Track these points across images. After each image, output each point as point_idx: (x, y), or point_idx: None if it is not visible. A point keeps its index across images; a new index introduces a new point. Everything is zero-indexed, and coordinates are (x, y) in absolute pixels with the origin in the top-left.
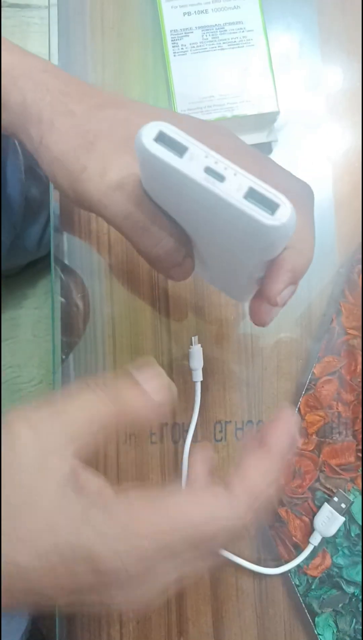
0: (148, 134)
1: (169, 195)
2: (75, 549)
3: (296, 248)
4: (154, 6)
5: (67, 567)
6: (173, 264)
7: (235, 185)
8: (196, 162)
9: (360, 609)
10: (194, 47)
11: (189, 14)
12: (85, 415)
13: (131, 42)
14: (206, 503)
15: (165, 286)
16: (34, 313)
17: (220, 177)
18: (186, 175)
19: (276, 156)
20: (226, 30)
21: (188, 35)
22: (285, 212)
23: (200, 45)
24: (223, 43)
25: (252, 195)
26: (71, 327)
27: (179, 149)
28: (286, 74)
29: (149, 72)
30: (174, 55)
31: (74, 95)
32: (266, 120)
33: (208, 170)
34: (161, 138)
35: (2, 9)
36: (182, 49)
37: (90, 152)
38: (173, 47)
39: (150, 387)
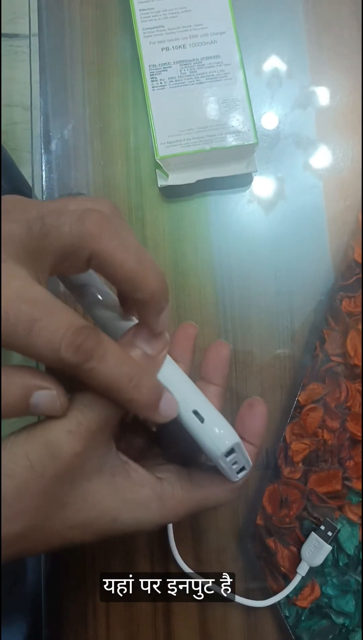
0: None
1: None
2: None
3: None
4: (133, 42)
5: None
6: None
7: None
8: None
9: None
10: (172, 81)
11: (167, 49)
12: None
13: (111, 76)
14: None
15: None
16: None
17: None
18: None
19: (266, 174)
20: (203, 65)
21: (167, 70)
22: None
23: (178, 80)
24: (201, 77)
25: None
26: None
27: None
28: (276, 93)
29: (130, 106)
30: (153, 90)
31: None
32: (245, 152)
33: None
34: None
35: None
36: (161, 83)
37: None
38: (151, 81)
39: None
